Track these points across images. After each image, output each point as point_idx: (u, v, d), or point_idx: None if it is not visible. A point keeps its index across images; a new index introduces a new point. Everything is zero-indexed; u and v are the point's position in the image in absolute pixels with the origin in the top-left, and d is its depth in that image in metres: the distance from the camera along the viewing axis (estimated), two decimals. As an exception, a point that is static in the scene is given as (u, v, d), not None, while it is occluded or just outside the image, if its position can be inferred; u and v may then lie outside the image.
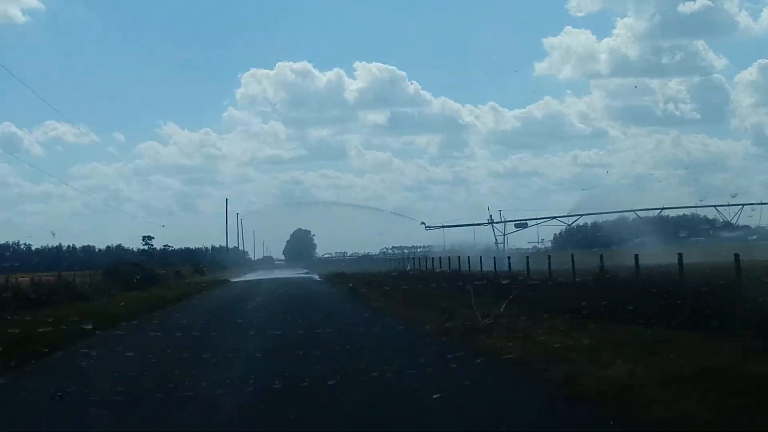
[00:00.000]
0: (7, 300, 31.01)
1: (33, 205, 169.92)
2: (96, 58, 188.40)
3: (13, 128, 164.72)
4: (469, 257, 50.14)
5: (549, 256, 36.14)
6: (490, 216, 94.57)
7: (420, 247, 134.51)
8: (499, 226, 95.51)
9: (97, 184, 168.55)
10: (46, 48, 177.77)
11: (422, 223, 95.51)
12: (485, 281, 34.52)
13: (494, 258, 49.01)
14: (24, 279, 42.36)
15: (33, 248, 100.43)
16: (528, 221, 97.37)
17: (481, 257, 48.81)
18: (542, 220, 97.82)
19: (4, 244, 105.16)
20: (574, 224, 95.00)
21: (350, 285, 51.20)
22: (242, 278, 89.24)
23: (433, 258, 62.67)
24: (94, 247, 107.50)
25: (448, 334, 20.54)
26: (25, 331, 22.15)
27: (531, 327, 19.70)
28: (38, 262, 78.54)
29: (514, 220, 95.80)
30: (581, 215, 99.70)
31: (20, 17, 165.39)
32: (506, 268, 40.67)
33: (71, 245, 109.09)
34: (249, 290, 54.64)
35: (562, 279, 31.46)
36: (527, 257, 42.12)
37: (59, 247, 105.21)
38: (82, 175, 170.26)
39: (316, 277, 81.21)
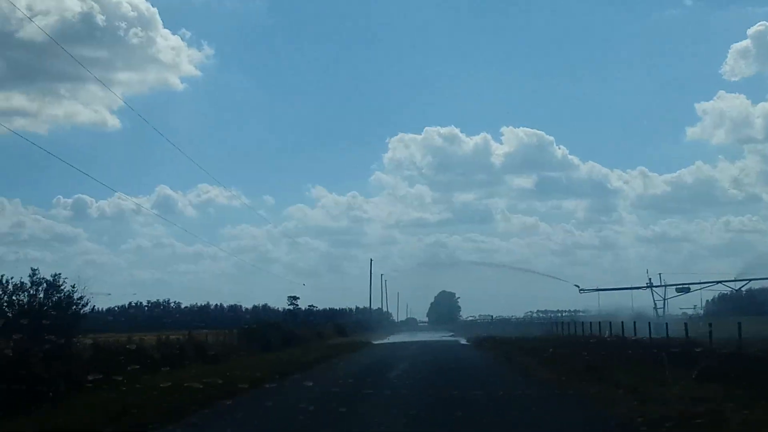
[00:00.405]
0: (119, 362, 26.68)
1: (185, 265, 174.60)
2: (248, 123, 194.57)
3: (168, 191, 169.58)
4: (622, 322, 46.21)
5: (710, 323, 31.18)
6: (649, 280, 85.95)
7: (567, 311, 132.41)
8: (659, 291, 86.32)
9: (246, 245, 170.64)
10: (201, 113, 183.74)
11: (576, 285, 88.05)
12: (655, 349, 29.63)
13: (649, 323, 45.91)
14: (150, 338, 38.34)
15: (182, 306, 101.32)
16: (691, 285, 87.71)
17: (635, 322, 45.37)
18: (707, 285, 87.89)
19: (155, 302, 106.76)
20: (742, 289, 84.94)
21: (504, 350, 44.89)
22: (385, 340, 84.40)
23: (583, 323, 58.66)
24: (240, 306, 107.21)
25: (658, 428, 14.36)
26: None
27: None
28: (189, 320, 77.32)
29: (676, 284, 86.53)
30: (750, 280, 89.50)
31: (179, 85, 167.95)
32: (663, 334, 37.29)
33: (218, 304, 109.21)
34: (392, 355, 49.41)
35: (733, 349, 26.05)
36: (685, 323, 37.86)
37: (207, 306, 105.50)
38: (232, 237, 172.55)
39: (463, 341, 75.35)
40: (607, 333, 48.09)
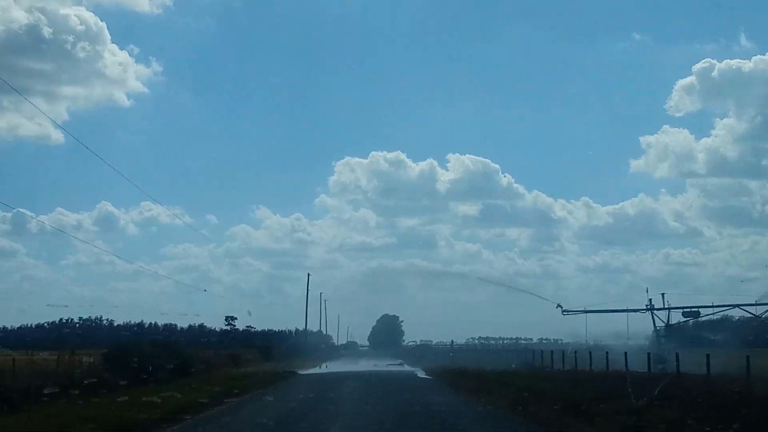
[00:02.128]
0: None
1: (125, 282, 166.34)
2: (195, 142, 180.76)
3: (111, 207, 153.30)
4: (626, 353, 40.24)
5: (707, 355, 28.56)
6: (650, 301, 67.51)
7: (509, 338, 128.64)
8: (662, 314, 68.22)
9: (188, 265, 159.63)
10: (147, 130, 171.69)
11: (558, 306, 70.09)
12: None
13: (648, 354, 40.50)
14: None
15: (115, 324, 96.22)
16: (700, 309, 69.76)
17: (649, 354, 40.31)
18: (721, 309, 69.86)
19: (87, 318, 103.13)
20: (764, 315, 67.36)
21: (515, 399, 25.23)
22: (318, 369, 64.39)
23: (574, 351, 49.96)
24: (176, 325, 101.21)
25: None
26: None
27: None
28: (116, 337, 70.80)
29: (683, 307, 68.52)
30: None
31: (125, 101, 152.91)
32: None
33: (153, 322, 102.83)
34: (315, 401, 29.07)
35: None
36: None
37: (141, 324, 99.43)
38: (174, 255, 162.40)
39: (421, 373, 55.56)
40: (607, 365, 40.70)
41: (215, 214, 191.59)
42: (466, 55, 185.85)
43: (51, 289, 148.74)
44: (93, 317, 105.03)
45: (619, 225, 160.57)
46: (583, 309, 72.32)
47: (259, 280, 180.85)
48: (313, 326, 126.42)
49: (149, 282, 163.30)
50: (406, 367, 66.57)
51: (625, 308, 70.92)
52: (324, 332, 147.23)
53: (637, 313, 70.94)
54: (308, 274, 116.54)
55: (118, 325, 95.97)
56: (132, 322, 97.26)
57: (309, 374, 53.65)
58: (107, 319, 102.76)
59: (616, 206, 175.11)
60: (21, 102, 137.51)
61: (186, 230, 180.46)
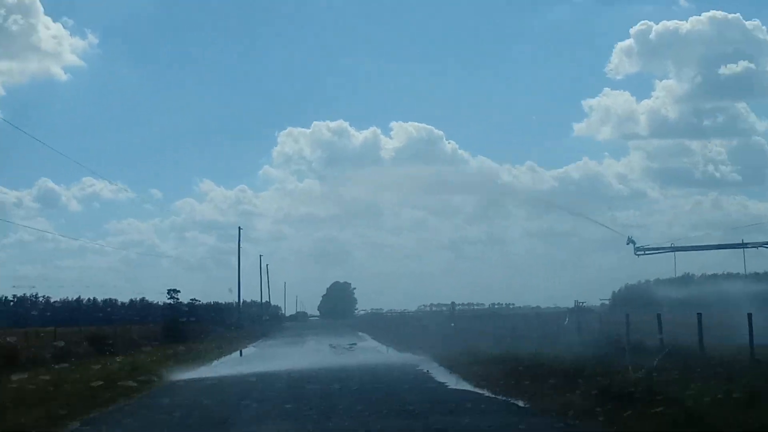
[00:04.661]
0: None
1: (68, 260, 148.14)
2: (135, 115, 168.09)
3: (51, 184, 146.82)
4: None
5: None
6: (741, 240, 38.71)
7: (462, 304, 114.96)
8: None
9: (132, 240, 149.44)
10: (86, 104, 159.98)
11: (630, 241, 42.43)
12: None
13: None
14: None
15: (52, 300, 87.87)
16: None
17: None
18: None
19: (20, 296, 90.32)
20: None
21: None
22: (230, 361, 35.12)
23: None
24: (116, 300, 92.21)
25: None
26: None
27: None
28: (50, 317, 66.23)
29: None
30: None
31: (62, 75, 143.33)
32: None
33: (92, 298, 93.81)
34: None
35: None
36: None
37: (78, 300, 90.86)
38: (118, 231, 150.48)
39: (452, 377, 22.62)
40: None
41: (159, 188, 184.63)
42: (407, 21, 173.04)
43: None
44: (29, 295, 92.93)
45: (564, 189, 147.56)
46: (669, 245, 43.27)
47: (206, 253, 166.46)
48: (257, 297, 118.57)
49: (95, 258, 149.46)
50: (389, 353, 35.29)
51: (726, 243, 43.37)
52: (270, 303, 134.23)
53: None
54: (239, 228, 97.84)
55: (54, 302, 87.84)
56: (69, 299, 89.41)
57: (188, 381, 21.81)
58: (43, 296, 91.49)
59: (561, 170, 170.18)
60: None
61: (130, 205, 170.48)
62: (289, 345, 48.08)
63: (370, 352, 37.24)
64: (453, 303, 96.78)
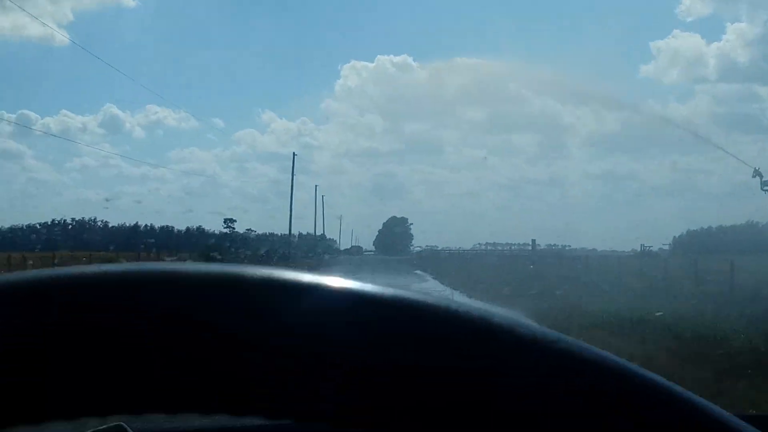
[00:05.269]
0: None
1: (131, 186, 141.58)
2: (200, 44, 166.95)
3: (116, 110, 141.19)
4: None
5: None
6: None
7: (519, 244, 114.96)
8: None
9: (194, 168, 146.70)
10: (152, 32, 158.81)
11: (757, 174, 35.03)
12: None
13: None
14: None
15: (110, 225, 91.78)
16: None
17: None
18: None
19: (79, 220, 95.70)
20: None
21: None
22: None
23: None
24: (173, 227, 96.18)
25: None
26: None
27: None
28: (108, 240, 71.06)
29: None
30: None
31: (130, 1, 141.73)
32: None
33: (150, 224, 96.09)
34: None
35: None
36: None
37: (136, 226, 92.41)
38: (181, 159, 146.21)
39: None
40: None
41: (222, 117, 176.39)
42: None
43: (57, 191, 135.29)
44: (87, 218, 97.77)
45: (627, 132, 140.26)
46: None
47: (266, 185, 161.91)
48: (319, 231, 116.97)
49: (156, 185, 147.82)
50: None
51: None
52: (325, 236, 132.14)
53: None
54: (293, 154, 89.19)
55: (112, 227, 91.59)
56: (127, 224, 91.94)
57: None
58: (102, 221, 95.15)
59: (624, 113, 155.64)
60: (25, 1, 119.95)
61: (192, 133, 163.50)
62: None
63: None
64: (534, 241, 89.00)
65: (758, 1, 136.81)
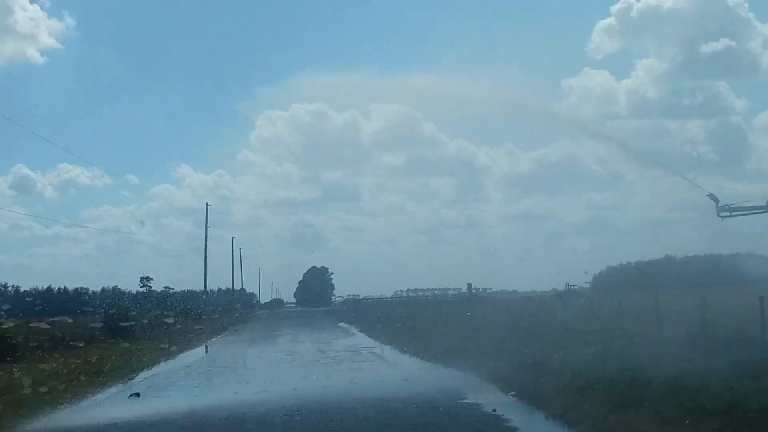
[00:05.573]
0: None
1: (43, 248, 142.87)
2: (111, 100, 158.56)
3: (26, 170, 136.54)
4: None
5: None
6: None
7: (436, 288, 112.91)
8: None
9: (108, 227, 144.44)
10: (62, 89, 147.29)
11: (711, 198, 32.87)
12: None
13: None
14: None
15: (21, 290, 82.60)
16: None
17: None
18: None
19: None
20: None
21: None
22: (165, 373, 24.55)
23: None
24: (87, 289, 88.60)
25: None
26: None
27: None
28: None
29: None
30: None
31: (38, 58, 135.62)
32: None
33: (63, 287, 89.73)
34: None
35: None
36: None
37: (49, 290, 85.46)
38: (95, 218, 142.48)
39: (482, 393, 15.24)
40: None
41: (136, 173, 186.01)
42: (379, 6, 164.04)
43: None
44: None
45: (542, 171, 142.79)
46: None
47: (183, 240, 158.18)
48: (237, 285, 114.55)
49: (70, 246, 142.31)
50: (398, 360, 24.43)
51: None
52: (245, 290, 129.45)
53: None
54: (207, 204, 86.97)
55: (24, 291, 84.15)
56: (40, 288, 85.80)
57: None
58: (12, 285, 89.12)
59: (538, 152, 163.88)
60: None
61: (106, 191, 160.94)
62: (255, 343, 37.35)
63: (370, 360, 25.50)
64: (470, 285, 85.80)
65: (665, 37, 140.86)
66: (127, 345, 33.16)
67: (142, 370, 23.90)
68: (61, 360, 26.05)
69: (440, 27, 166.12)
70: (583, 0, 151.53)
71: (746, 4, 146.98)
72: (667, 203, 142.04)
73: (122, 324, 41.12)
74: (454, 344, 24.88)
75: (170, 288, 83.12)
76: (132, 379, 21.68)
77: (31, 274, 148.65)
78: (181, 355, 31.48)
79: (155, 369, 24.40)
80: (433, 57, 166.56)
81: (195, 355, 31.77)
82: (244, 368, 23.48)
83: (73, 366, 23.36)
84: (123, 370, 22.96)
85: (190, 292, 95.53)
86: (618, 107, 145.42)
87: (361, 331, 43.53)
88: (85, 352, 29.22)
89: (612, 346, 18.82)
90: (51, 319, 41.25)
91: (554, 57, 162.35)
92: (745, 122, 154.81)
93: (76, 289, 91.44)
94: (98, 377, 20.87)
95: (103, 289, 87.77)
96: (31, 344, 29.66)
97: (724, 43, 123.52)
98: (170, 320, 46.86)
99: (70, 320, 40.71)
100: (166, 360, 28.50)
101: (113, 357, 26.85)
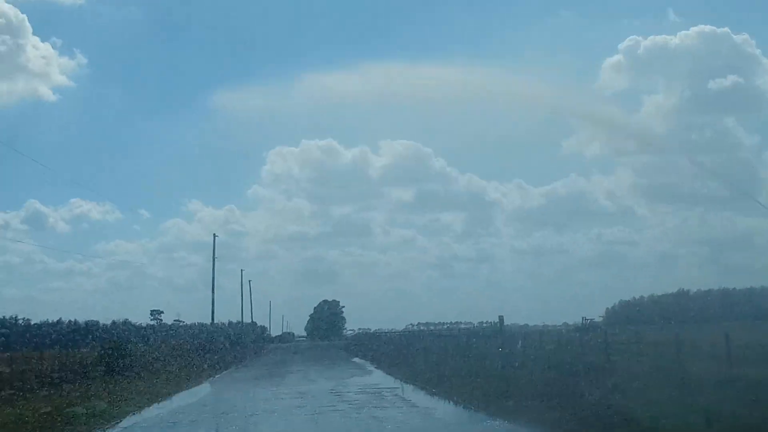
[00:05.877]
0: None
1: (56, 282, 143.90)
2: (123, 136, 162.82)
3: (39, 205, 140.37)
4: None
5: None
6: None
7: (448, 323, 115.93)
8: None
9: (120, 261, 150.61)
10: (74, 126, 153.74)
11: None
12: None
13: None
14: None
15: (32, 323, 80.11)
16: None
17: None
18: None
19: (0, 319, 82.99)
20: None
21: None
22: (147, 421, 20.40)
23: None
24: (98, 322, 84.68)
25: None
26: None
27: None
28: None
29: None
30: None
31: (50, 96, 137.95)
32: None
33: (73, 320, 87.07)
34: None
35: None
36: None
37: (59, 323, 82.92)
38: (106, 252, 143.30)
39: None
40: None
41: (147, 208, 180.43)
42: (393, 40, 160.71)
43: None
44: (8, 317, 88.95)
45: (552, 206, 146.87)
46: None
47: (194, 274, 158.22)
48: (247, 318, 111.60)
49: (82, 280, 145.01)
50: (432, 409, 20.19)
51: None
52: (255, 323, 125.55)
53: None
54: (214, 235, 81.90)
55: (34, 324, 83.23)
56: (50, 320, 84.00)
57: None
58: (23, 318, 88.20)
59: (548, 187, 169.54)
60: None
61: (118, 226, 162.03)
62: (261, 382, 33.06)
63: (396, 406, 20.69)
64: (501, 317, 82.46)
65: (672, 73, 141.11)
66: (119, 383, 29.62)
67: (125, 416, 19.98)
68: (44, 399, 22.57)
69: (445, 62, 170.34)
70: (591, 37, 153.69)
71: (753, 41, 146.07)
72: (678, 237, 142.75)
73: (119, 360, 38.03)
74: (491, 385, 21.03)
75: (181, 321, 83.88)
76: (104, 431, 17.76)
77: (43, 307, 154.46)
78: (176, 395, 27.57)
79: (138, 416, 20.34)
80: (440, 94, 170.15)
81: (192, 395, 27.80)
82: (244, 416, 19.42)
83: (50, 409, 19.72)
84: (100, 418, 19.09)
85: (201, 324, 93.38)
86: (627, 143, 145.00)
87: (377, 368, 39.61)
88: (68, 392, 25.80)
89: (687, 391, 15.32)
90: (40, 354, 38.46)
91: (565, 94, 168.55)
92: (755, 157, 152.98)
93: (87, 322, 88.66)
94: (67, 426, 17.07)
95: (113, 322, 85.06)
96: (15, 383, 27.06)
97: (732, 79, 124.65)
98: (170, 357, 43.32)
99: (58, 354, 37.62)
100: (159, 401, 24.66)
101: (94, 399, 23.15)
